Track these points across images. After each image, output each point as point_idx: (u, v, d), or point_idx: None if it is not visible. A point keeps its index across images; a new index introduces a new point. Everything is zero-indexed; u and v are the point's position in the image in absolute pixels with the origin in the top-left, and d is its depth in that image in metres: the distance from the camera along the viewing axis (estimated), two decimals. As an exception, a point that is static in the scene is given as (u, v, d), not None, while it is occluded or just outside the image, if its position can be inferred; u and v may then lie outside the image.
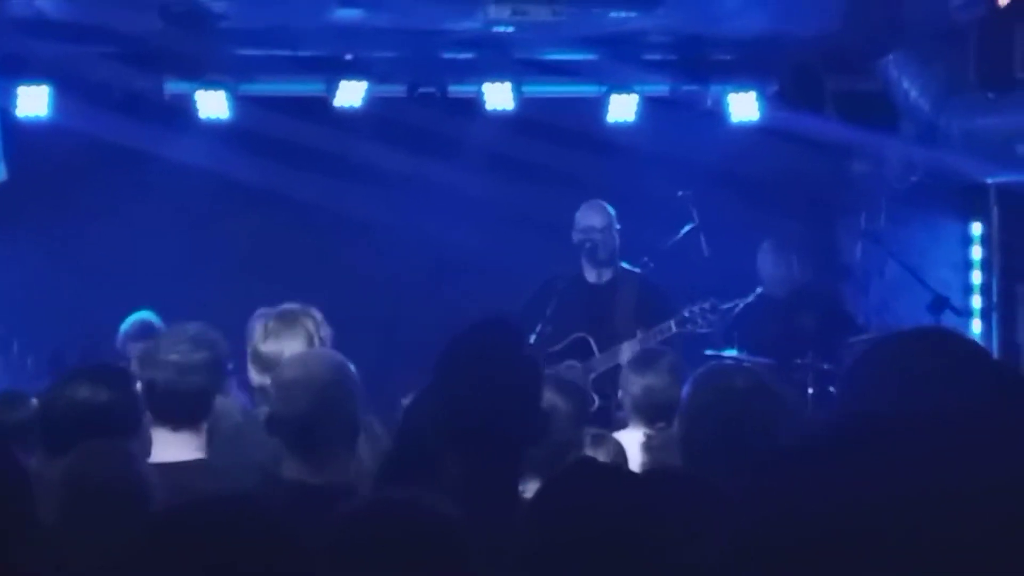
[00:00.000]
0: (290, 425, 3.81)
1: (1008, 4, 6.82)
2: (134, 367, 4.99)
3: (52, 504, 3.34)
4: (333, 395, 3.84)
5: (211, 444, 4.18)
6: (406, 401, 3.99)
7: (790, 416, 3.46)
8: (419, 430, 3.28)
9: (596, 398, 7.23)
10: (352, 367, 4.01)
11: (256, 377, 4.83)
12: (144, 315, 7.88)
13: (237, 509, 1.91)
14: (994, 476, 1.41)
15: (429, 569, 2.22)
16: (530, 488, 3.77)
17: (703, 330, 7.62)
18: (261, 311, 5.16)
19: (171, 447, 4.05)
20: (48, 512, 3.24)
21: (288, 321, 4.93)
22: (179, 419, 4.08)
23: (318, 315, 5.03)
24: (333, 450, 3.82)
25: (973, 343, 2.21)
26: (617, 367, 6.77)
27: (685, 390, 3.60)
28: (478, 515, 2.44)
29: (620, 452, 4.66)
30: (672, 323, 7.57)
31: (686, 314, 7.55)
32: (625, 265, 7.95)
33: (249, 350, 4.93)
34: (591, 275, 7.88)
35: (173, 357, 4.05)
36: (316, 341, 4.90)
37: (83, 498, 3.35)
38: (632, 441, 4.92)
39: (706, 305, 7.58)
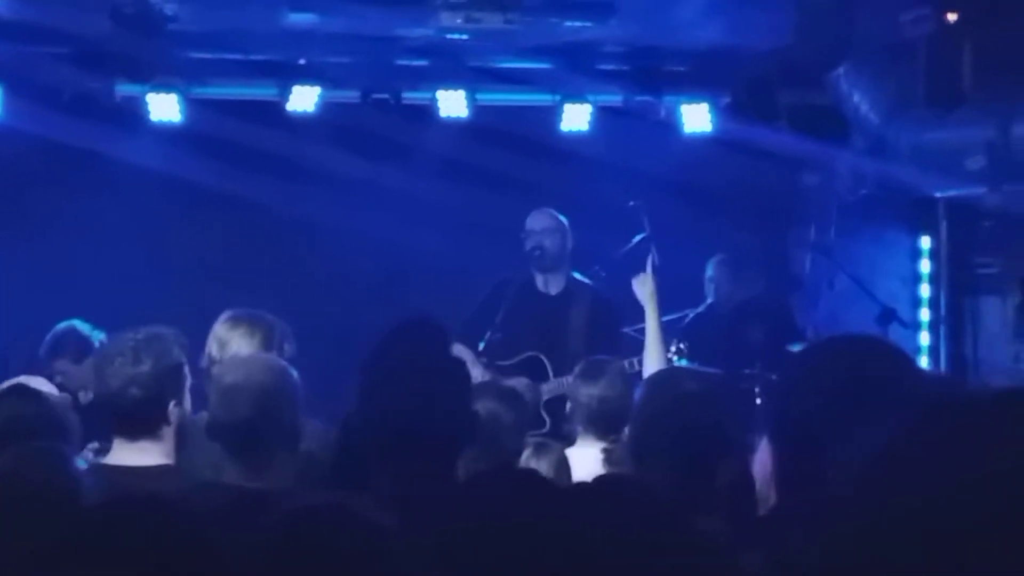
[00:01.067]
0: (229, 430, 3.79)
1: (957, 20, 6.88)
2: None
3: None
4: (273, 400, 3.82)
5: (182, 449, 4.15)
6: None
7: (739, 422, 3.47)
8: (355, 436, 3.26)
9: (547, 419, 7.20)
10: (293, 372, 4.00)
11: (206, 360, 4.81)
12: (64, 327, 7.70)
13: (153, 511, 1.89)
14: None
15: (356, 576, 2.21)
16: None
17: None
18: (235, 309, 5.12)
19: (130, 454, 4.01)
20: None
21: (252, 319, 4.90)
22: (131, 430, 4.02)
23: (286, 328, 4.99)
24: (273, 455, 3.80)
25: (899, 351, 2.23)
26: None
27: (637, 395, 3.59)
28: (409, 521, 2.43)
29: (563, 463, 4.63)
30: (635, 361, 7.49)
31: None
32: (577, 276, 7.93)
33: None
34: (540, 282, 7.83)
35: (116, 369, 4.00)
36: (274, 347, 4.86)
37: (13, 498, 3.32)
38: (583, 456, 4.87)
39: (672, 344, 7.54)
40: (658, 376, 3.75)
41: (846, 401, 2.03)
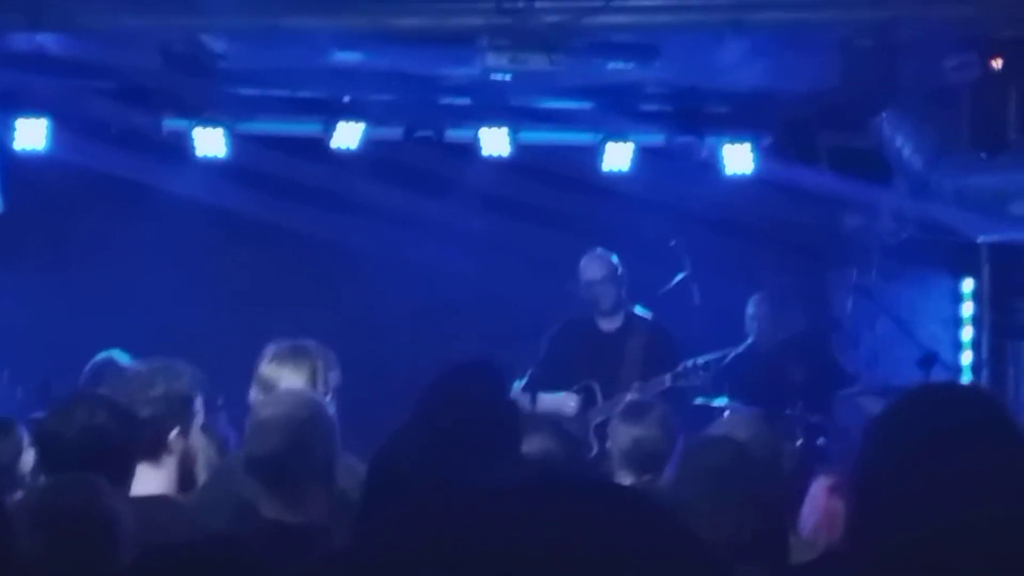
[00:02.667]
0: (263, 464, 3.82)
1: (1002, 66, 6.88)
2: None
3: (26, 536, 3.36)
4: (308, 434, 3.85)
5: (187, 480, 4.17)
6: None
7: (769, 475, 3.51)
8: (393, 471, 3.27)
9: (595, 445, 7.27)
10: (329, 407, 4.03)
11: (253, 397, 4.84)
12: (105, 356, 7.81)
13: (216, 551, 1.91)
14: None
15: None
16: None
17: (695, 384, 7.70)
18: (278, 341, 5.16)
19: (139, 482, 4.02)
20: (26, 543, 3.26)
21: (297, 352, 4.95)
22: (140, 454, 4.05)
23: (331, 357, 5.03)
24: (308, 489, 3.82)
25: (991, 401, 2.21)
26: None
27: (672, 461, 3.65)
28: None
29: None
30: (668, 377, 7.66)
31: (680, 369, 7.64)
32: (638, 310, 8.02)
33: (256, 370, 4.95)
34: (602, 323, 7.99)
35: (127, 392, 4.07)
36: (320, 383, 4.90)
37: (51, 530, 3.36)
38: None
39: (700, 361, 7.67)
40: (695, 444, 3.81)
41: (943, 456, 2.02)
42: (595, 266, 7.95)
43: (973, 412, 2.10)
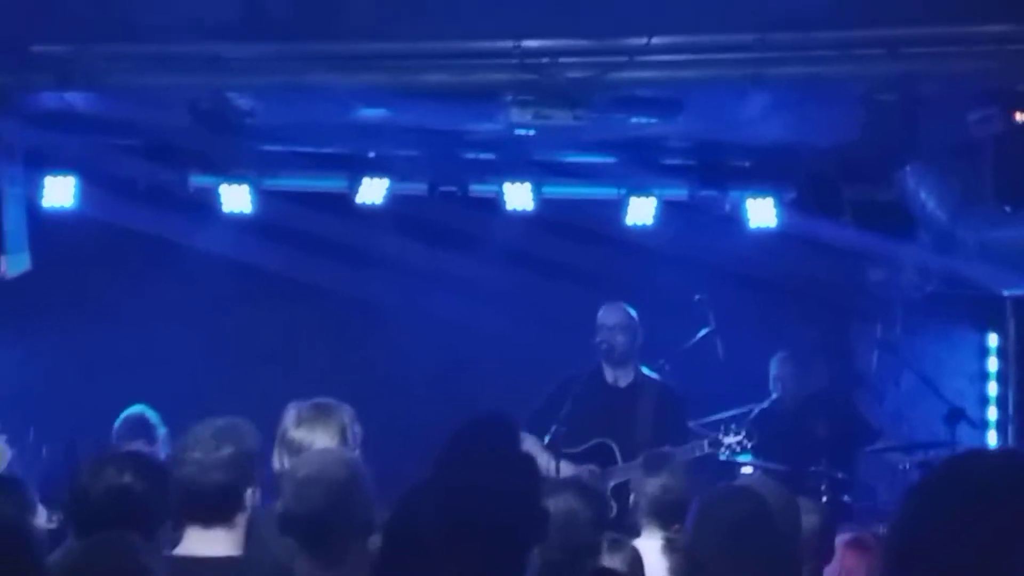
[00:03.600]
0: (303, 523, 3.81)
1: (1025, 120, 6.89)
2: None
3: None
4: (347, 493, 3.84)
5: (249, 540, 4.16)
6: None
7: (791, 536, 3.49)
8: (410, 529, 3.27)
9: (615, 505, 7.21)
10: (363, 466, 4.02)
11: (279, 464, 4.83)
12: (136, 410, 7.89)
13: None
14: None
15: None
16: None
17: (729, 454, 7.63)
18: (296, 403, 5.17)
19: (202, 543, 4.00)
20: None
21: (323, 412, 4.95)
22: (207, 516, 4.02)
23: (351, 411, 5.04)
24: (346, 549, 3.81)
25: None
26: None
27: (690, 513, 3.63)
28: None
29: (637, 559, 4.65)
30: (705, 443, 7.60)
31: (721, 438, 7.57)
32: (645, 370, 7.98)
33: (278, 436, 4.94)
34: (609, 376, 7.93)
35: (196, 454, 4.01)
36: (349, 436, 4.91)
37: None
38: (648, 548, 4.90)
39: (741, 433, 7.60)
40: (712, 496, 3.78)
41: (983, 528, 1.98)
42: (613, 312, 7.96)
43: (1016, 482, 2.06)
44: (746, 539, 3.43)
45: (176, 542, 4.21)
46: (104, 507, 3.90)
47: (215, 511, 4.02)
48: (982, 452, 2.22)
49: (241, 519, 4.07)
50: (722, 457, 7.62)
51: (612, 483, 7.58)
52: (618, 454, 7.71)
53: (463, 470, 3.19)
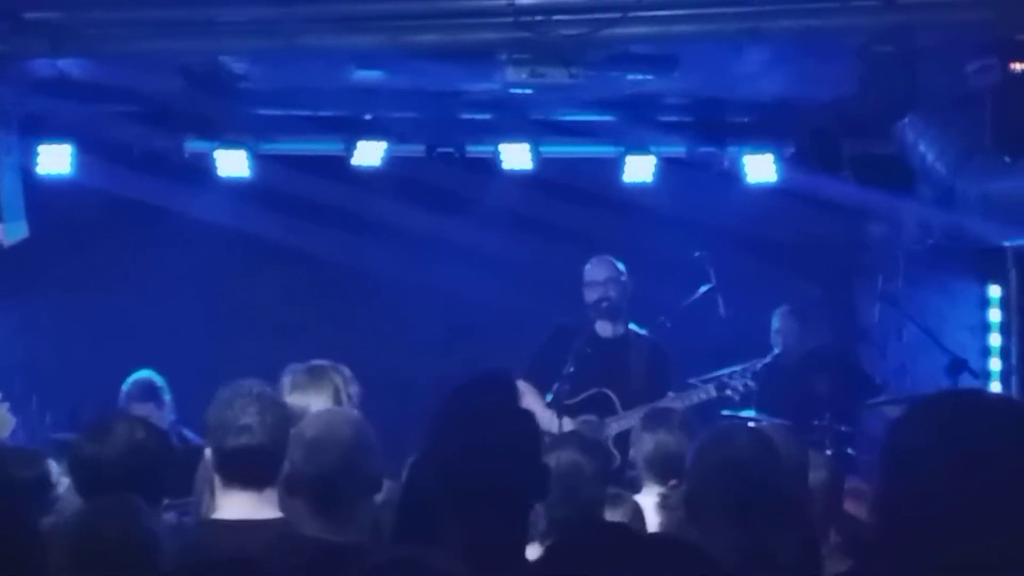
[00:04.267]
0: (312, 483, 3.81)
1: (1023, 70, 6.85)
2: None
3: (65, 560, 3.36)
4: (354, 453, 3.85)
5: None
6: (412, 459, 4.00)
7: (795, 474, 3.45)
8: (424, 488, 3.27)
9: (617, 455, 7.23)
10: (368, 425, 4.02)
11: None
12: (145, 374, 7.92)
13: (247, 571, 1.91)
14: None
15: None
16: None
17: (739, 394, 7.66)
18: (291, 366, 5.17)
19: (248, 505, 4.00)
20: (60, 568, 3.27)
21: (316, 376, 4.97)
22: (259, 479, 4.01)
23: (347, 372, 5.06)
24: (353, 508, 3.82)
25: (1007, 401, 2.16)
26: None
27: (690, 451, 3.60)
28: (483, 574, 2.43)
29: (638, 512, 4.66)
30: (712, 387, 7.61)
31: (726, 379, 7.59)
32: (633, 327, 7.97)
33: None
34: (601, 329, 7.91)
35: (247, 420, 4.00)
36: (344, 397, 4.93)
37: (89, 553, 3.36)
38: (647, 504, 4.91)
39: (747, 376, 7.62)
40: (711, 432, 3.74)
41: (970, 470, 1.98)
42: (603, 266, 7.94)
43: (1000, 423, 2.05)
44: (747, 473, 3.37)
45: (185, 505, 4.23)
46: (118, 467, 3.91)
47: (266, 474, 4.00)
48: (962, 393, 2.23)
49: (277, 482, 4.06)
50: (730, 394, 7.64)
51: (614, 432, 7.60)
52: (617, 403, 7.73)
53: (461, 429, 3.19)
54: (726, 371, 7.82)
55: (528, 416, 3.38)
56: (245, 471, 4.01)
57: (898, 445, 2.10)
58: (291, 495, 3.87)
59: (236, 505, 4.01)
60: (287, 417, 4.10)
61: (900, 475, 2.06)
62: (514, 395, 3.45)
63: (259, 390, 4.09)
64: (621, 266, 7.95)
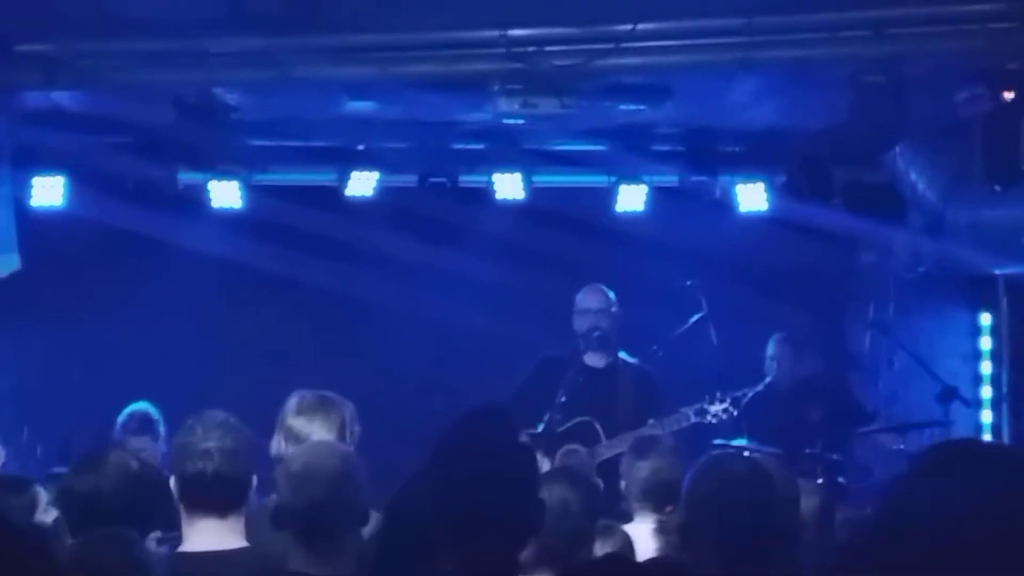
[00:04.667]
0: (299, 516, 3.80)
1: (1013, 98, 6.89)
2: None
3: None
4: (342, 486, 3.83)
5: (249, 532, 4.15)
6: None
7: (788, 505, 3.46)
8: (409, 519, 3.26)
9: (600, 483, 7.21)
10: (357, 458, 4.02)
11: (278, 448, 4.83)
12: (141, 407, 7.90)
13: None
14: None
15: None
16: (540, 581, 3.78)
17: (720, 419, 7.65)
18: (300, 391, 5.16)
19: (215, 535, 3.99)
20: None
21: (327, 405, 4.95)
22: (224, 506, 4.00)
23: (352, 410, 5.03)
24: (340, 542, 3.80)
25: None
26: (620, 455, 6.77)
27: (687, 479, 3.61)
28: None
29: (628, 544, 4.65)
30: (691, 412, 7.62)
31: (706, 407, 7.60)
32: (623, 355, 7.98)
33: (279, 420, 4.95)
34: (591, 359, 7.92)
35: (210, 444, 4.00)
36: (347, 433, 4.90)
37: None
38: (640, 532, 4.90)
39: (726, 401, 7.63)
40: (708, 460, 3.75)
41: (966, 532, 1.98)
42: (595, 295, 7.95)
43: (997, 480, 2.04)
44: (741, 499, 3.39)
45: (169, 540, 4.20)
46: (99, 504, 3.90)
47: (231, 500, 4.00)
48: (972, 440, 2.19)
49: (244, 510, 4.06)
50: (712, 420, 7.62)
51: (597, 460, 7.58)
52: (601, 433, 7.73)
53: (462, 461, 3.19)
54: (707, 398, 7.82)
55: (528, 450, 3.38)
56: (206, 497, 3.99)
57: (895, 503, 2.08)
58: (279, 528, 3.85)
59: (201, 534, 4.00)
60: (251, 444, 4.08)
61: (897, 533, 2.05)
62: (515, 429, 3.45)
63: (223, 417, 4.08)
64: (612, 295, 7.97)
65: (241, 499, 4.01)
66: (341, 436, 4.84)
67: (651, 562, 4.00)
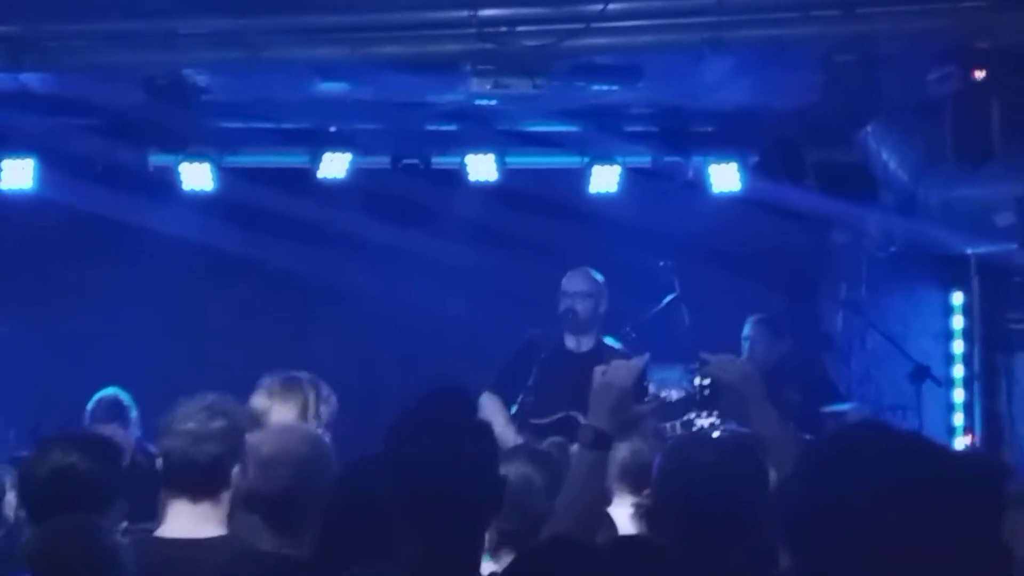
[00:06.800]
0: (268, 501, 3.79)
1: (984, 78, 6.90)
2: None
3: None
4: (310, 471, 3.82)
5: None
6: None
7: (756, 489, 3.46)
8: (367, 498, 3.24)
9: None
10: (326, 440, 4.01)
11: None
12: (111, 392, 7.86)
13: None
14: None
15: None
16: (503, 561, 3.77)
17: (673, 398, 7.61)
18: (275, 373, 5.13)
19: (189, 521, 3.92)
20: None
21: (288, 385, 4.93)
22: (196, 490, 3.93)
23: (325, 391, 4.99)
24: (308, 523, 3.80)
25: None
26: None
27: (655, 463, 3.61)
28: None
29: (611, 526, 4.64)
30: (672, 392, 7.58)
31: (693, 419, 7.55)
32: (607, 340, 7.96)
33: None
34: (571, 342, 7.88)
35: (189, 426, 3.92)
36: (311, 413, 4.87)
37: (50, 572, 3.33)
38: (619, 515, 4.88)
39: (713, 415, 7.56)
40: (675, 444, 3.76)
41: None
42: (578, 279, 7.91)
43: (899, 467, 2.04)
44: (705, 483, 3.39)
45: (149, 529, 4.17)
46: (50, 489, 3.86)
47: (204, 485, 3.92)
48: (870, 426, 2.19)
49: (225, 496, 3.96)
50: (673, 395, 7.59)
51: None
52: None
53: (418, 441, 3.17)
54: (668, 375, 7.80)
55: (485, 429, 3.36)
56: (178, 481, 3.93)
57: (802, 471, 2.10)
58: (249, 511, 3.84)
59: (175, 519, 3.93)
60: (236, 429, 4.00)
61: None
62: (471, 408, 3.43)
63: (212, 400, 4.03)
64: (599, 279, 7.91)
65: (216, 486, 3.92)
66: (303, 417, 4.82)
67: (613, 541, 4.00)
